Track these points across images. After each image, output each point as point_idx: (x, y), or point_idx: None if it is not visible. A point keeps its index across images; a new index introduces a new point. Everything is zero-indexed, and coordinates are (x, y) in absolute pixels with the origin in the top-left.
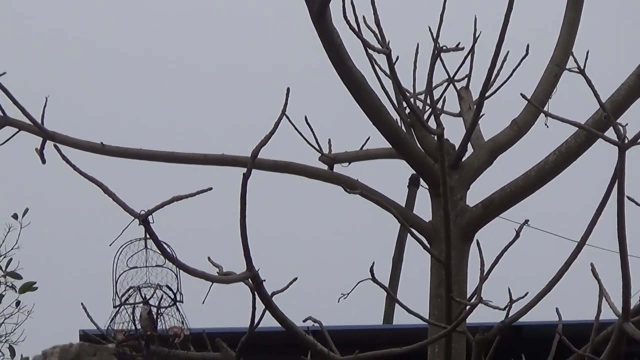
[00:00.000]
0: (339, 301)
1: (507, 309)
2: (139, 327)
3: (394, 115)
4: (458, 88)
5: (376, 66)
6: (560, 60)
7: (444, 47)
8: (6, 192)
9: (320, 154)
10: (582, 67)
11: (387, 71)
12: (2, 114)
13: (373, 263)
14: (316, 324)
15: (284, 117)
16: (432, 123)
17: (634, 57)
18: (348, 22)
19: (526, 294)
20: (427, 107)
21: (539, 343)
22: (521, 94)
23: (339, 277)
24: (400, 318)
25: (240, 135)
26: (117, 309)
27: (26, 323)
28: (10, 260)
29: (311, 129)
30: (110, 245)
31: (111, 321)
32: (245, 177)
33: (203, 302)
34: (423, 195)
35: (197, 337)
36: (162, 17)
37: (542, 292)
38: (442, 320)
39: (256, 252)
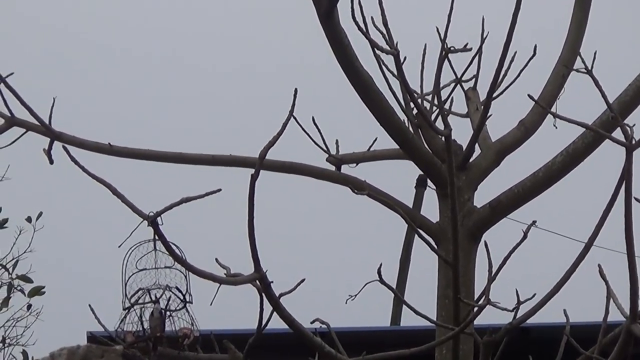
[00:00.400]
0: (346, 302)
1: (514, 310)
2: (147, 328)
3: (402, 116)
4: (465, 89)
5: (384, 67)
6: (567, 61)
7: (452, 48)
8: (17, 195)
9: (327, 155)
10: (589, 68)
11: (395, 72)
12: (9, 115)
13: (381, 264)
14: (324, 326)
15: (292, 118)
16: (439, 124)
17: None
18: (356, 22)
19: (534, 296)
20: (435, 108)
21: (547, 344)
22: (528, 95)
23: (347, 278)
24: (408, 319)
25: (247, 137)
26: (127, 311)
27: (35, 325)
28: (17, 262)
29: (319, 130)
30: (119, 246)
31: (120, 323)
32: (254, 178)
33: (211, 304)
34: (430, 196)
35: (205, 339)
36: (168, 17)
37: (550, 294)
38: (450, 322)
39: (264, 253)
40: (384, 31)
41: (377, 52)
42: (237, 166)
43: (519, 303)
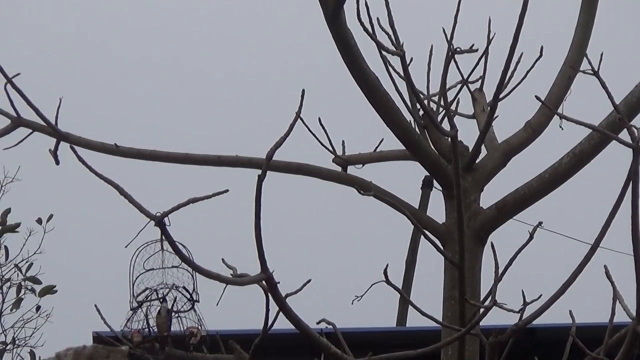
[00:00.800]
0: (352, 303)
1: (520, 311)
2: (154, 328)
3: (408, 117)
4: (472, 90)
5: (390, 68)
6: (574, 62)
7: (458, 49)
8: (25, 196)
9: (334, 156)
10: (596, 69)
11: (401, 73)
12: (16, 115)
13: (387, 265)
14: (330, 326)
15: (299, 119)
16: (445, 125)
17: None
18: (362, 23)
19: (540, 296)
20: (441, 109)
21: (553, 345)
22: (535, 96)
23: (353, 278)
24: (414, 320)
25: (253, 138)
26: (134, 311)
27: (44, 326)
28: (31, 264)
29: (325, 131)
30: (126, 247)
31: (128, 323)
32: (260, 178)
33: (217, 304)
34: (437, 197)
35: (211, 339)
36: (175, 21)
37: (556, 295)
38: (456, 323)
39: (270, 254)
40: (390, 32)
41: (384, 53)
42: (244, 167)
43: (525, 304)
